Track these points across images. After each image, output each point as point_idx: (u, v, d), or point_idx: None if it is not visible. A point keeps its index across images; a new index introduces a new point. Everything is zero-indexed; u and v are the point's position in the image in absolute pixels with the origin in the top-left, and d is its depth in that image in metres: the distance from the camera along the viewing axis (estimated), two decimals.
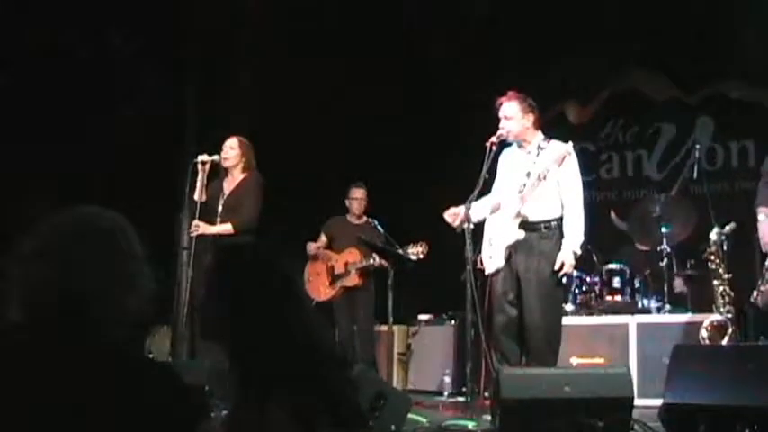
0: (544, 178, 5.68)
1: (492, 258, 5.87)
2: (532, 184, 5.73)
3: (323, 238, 8.33)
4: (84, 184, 7.99)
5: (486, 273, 5.91)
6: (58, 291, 1.81)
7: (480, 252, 5.99)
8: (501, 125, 5.90)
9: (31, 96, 7.76)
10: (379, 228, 8.04)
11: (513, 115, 5.90)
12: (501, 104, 5.94)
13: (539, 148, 5.91)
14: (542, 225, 5.80)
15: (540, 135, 5.97)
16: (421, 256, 7.30)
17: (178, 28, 8.84)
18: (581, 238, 5.76)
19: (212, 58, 8.97)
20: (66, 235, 1.87)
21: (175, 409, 1.81)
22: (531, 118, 5.92)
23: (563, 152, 5.70)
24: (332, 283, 8.12)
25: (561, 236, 5.77)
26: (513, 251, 5.81)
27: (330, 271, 8.16)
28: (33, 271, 1.82)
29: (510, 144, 6.01)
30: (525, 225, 5.79)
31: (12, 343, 1.78)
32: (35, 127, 7.83)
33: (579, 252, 5.80)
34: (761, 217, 5.92)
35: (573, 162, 5.80)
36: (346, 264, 8.05)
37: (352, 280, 8.01)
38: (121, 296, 1.87)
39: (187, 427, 1.84)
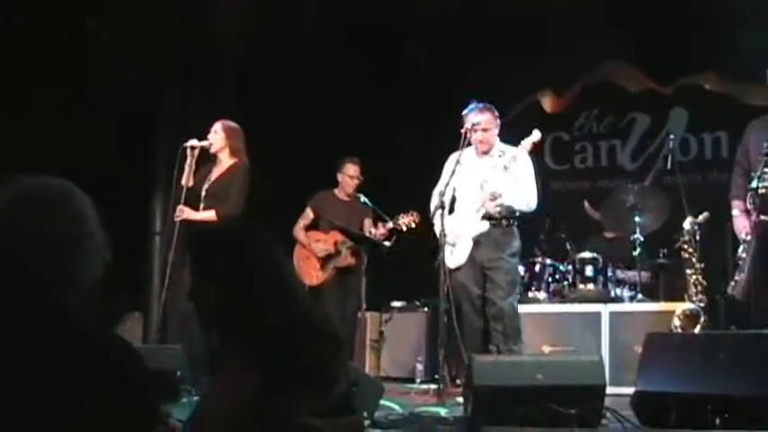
0: (506, 168, 5.95)
1: (453, 254, 6.07)
2: (495, 179, 5.99)
3: (310, 215, 7.81)
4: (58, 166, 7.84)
5: (451, 267, 6.04)
6: None
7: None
8: (481, 137, 6.08)
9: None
10: (368, 203, 7.62)
11: (490, 127, 6.13)
12: (470, 114, 6.09)
13: (500, 152, 6.14)
14: (503, 220, 6.10)
15: (498, 142, 6.23)
16: (413, 225, 7.10)
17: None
18: (510, 202, 6.04)
19: (189, 41, 8.85)
20: (5, 205, 1.82)
21: (124, 377, 1.73)
22: (498, 127, 6.20)
23: (518, 150, 6.04)
24: (323, 265, 7.59)
25: (518, 228, 6.18)
26: (476, 245, 6.07)
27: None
28: None
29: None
30: (488, 219, 6.06)
31: None
32: None
33: (494, 209, 6.04)
34: (735, 212, 5.93)
35: (527, 158, 6.13)
36: (336, 243, 7.55)
37: (345, 260, 7.53)
38: (67, 260, 1.82)
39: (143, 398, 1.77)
